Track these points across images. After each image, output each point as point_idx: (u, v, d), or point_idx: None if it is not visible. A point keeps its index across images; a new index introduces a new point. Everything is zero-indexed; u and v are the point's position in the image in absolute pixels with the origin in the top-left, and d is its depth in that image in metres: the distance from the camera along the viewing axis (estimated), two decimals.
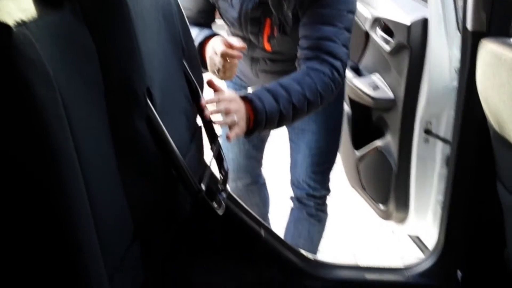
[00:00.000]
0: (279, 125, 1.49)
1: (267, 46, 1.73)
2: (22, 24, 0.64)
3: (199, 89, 1.30)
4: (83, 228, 0.71)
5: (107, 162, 0.83)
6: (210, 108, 1.32)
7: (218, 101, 1.33)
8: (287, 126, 1.62)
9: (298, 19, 1.62)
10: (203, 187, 1.11)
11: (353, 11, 1.61)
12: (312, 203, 2.05)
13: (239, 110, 1.37)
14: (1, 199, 0.64)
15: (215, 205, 1.15)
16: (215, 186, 1.25)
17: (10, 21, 0.63)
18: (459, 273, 1.67)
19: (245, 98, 1.41)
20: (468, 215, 1.62)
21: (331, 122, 1.96)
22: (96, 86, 0.82)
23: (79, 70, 0.78)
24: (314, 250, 2.06)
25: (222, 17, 1.78)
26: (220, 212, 1.15)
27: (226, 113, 1.33)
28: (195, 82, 1.28)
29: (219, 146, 1.33)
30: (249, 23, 1.69)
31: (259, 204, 2.25)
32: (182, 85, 1.22)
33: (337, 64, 1.55)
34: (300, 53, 1.59)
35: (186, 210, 1.15)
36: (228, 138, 1.32)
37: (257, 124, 1.42)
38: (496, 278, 1.65)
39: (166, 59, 1.11)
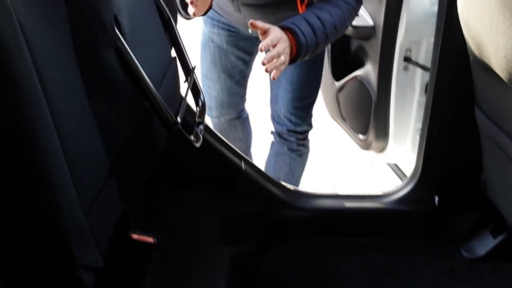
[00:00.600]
0: (312, 54, 1.52)
1: None
2: None
3: (171, 19, 1.25)
4: (51, 161, 0.69)
5: (75, 94, 0.80)
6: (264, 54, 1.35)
7: (272, 44, 1.36)
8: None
9: None
10: (178, 119, 1.09)
11: None
12: (293, 138, 2.05)
13: (286, 48, 1.39)
14: None
15: (192, 138, 1.13)
16: (192, 119, 1.23)
17: None
18: (436, 198, 1.70)
19: (289, 30, 1.42)
20: (446, 141, 1.64)
21: (315, 56, 1.92)
22: (58, 14, 0.77)
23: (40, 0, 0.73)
24: (295, 184, 2.08)
25: None
26: (197, 144, 1.14)
27: (278, 55, 1.36)
28: (167, 11, 1.23)
29: (195, 78, 1.30)
30: None
31: (242, 139, 2.24)
32: (153, 15, 1.17)
33: None
34: None
35: (162, 143, 1.13)
36: (272, 77, 1.35)
37: (297, 57, 1.45)
38: (472, 203, 1.70)
39: None
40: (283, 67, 1.39)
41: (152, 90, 0.98)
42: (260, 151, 2.33)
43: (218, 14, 1.92)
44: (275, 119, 2.04)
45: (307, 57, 1.51)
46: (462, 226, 1.73)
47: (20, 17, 0.65)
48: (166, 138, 1.12)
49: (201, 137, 1.18)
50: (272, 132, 2.08)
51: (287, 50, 1.40)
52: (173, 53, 1.31)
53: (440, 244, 1.72)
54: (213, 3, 1.88)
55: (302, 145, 2.08)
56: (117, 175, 0.90)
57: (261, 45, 1.37)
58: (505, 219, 1.51)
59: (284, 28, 1.43)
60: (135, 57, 0.92)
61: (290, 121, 2.00)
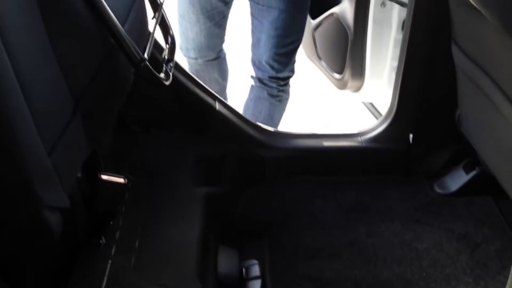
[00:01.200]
0: None
1: None
2: None
3: None
4: (10, 101, 0.67)
5: (32, 29, 0.76)
6: None
7: None
8: None
9: None
10: (146, 56, 1.05)
11: None
12: (274, 84, 2.02)
13: None
14: None
15: (162, 76, 1.09)
16: (161, 56, 1.19)
17: None
18: (410, 135, 1.71)
19: None
20: (422, 79, 1.63)
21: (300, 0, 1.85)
22: None
23: None
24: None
25: None
26: (167, 82, 1.10)
27: None
28: None
29: (163, 13, 1.24)
30: None
31: (218, 79, 2.20)
32: None
33: None
34: None
35: (129, 81, 1.09)
36: None
37: None
38: (446, 139, 1.71)
39: None
40: None
41: (117, 25, 0.93)
42: (237, 93, 2.30)
43: None
44: (256, 64, 2.00)
45: None
46: (435, 163, 1.75)
47: None
48: (134, 75, 1.08)
49: (170, 75, 1.14)
50: (252, 77, 2.04)
51: None
52: None
53: (414, 180, 1.74)
54: None
55: (283, 91, 2.06)
56: (82, 114, 0.87)
57: None
58: (478, 155, 1.53)
59: None
60: None
61: (272, 67, 1.96)
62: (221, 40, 2.11)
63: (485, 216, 1.58)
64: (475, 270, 1.42)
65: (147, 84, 1.07)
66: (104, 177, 1.05)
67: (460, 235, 1.53)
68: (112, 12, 0.92)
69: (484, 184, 1.62)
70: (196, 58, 2.09)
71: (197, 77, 1.63)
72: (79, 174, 1.03)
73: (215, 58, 2.13)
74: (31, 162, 0.71)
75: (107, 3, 0.91)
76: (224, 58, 2.20)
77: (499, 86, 1.20)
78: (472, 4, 1.12)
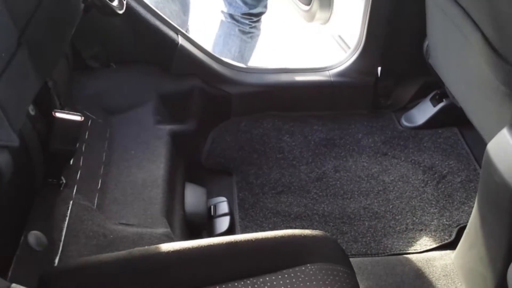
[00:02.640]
0: None
1: None
2: None
3: None
4: None
5: None
6: None
7: None
8: None
9: None
10: None
11: None
12: (246, 21, 1.95)
13: None
14: None
15: (115, 4, 1.02)
16: None
17: None
18: (379, 69, 1.68)
19: None
20: (390, 9, 1.59)
21: None
22: None
23: None
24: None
25: None
26: (120, 11, 1.03)
27: None
28: None
29: None
30: None
31: (179, 12, 2.10)
32: None
33: None
34: None
35: (78, 10, 1.01)
36: None
37: None
38: (414, 72, 1.69)
39: None
40: None
41: None
42: (203, 28, 2.21)
43: None
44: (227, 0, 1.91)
45: None
46: (403, 96, 1.74)
47: None
48: (83, 3, 1.01)
49: (124, 3, 1.07)
50: (222, 12, 1.95)
51: None
52: None
53: (381, 113, 1.73)
54: None
55: (255, 27, 2.00)
56: (28, 45, 0.80)
57: None
58: (445, 87, 1.52)
59: None
60: None
61: (245, 3, 1.89)
62: None
63: (451, 147, 1.60)
64: (440, 201, 1.44)
65: (100, 14, 1.00)
66: (59, 114, 1.00)
67: (426, 167, 1.54)
68: None
69: (451, 115, 1.62)
70: None
71: (156, 9, 1.55)
72: (32, 112, 0.98)
73: None
74: None
75: None
76: None
77: (468, 14, 1.17)
78: None
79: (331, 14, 2.10)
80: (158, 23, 1.54)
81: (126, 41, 1.53)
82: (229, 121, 1.69)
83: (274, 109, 1.72)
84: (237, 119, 1.69)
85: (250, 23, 1.97)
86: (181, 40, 1.58)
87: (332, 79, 1.70)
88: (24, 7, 0.81)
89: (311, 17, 2.16)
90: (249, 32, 2.00)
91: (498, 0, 1.00)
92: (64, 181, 1.10)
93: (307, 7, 2.15)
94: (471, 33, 1.15)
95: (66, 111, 1.04)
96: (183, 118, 1.57)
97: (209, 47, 1.93)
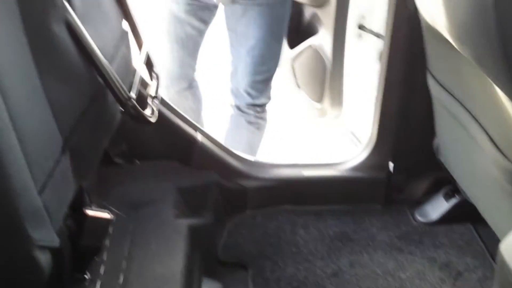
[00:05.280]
0: None
1: None
2: None
3: None
4: (2, 140, 0.67)
5: (24, 70, 0.77)
6: None
7: None
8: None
9: None
10: (133, 94, 1.06)
11: None
12: (252, 111, 2.04)
13: None
14: None
15: (148, 113, 1.10)
16: (147, 93, 1.20)
17: None
18: (390, 164, 1.73)
19: None
20: (400, 108, 1.66)
21: (276, 28, 1.89)
22: None
23: None
24: (253, 156, 2.08)
25: None
26: (153, 119, 1.11)
27: None
28: None
29: (149, 51, 1.26)
30: None
31: (193, 107, 2.21)
32: None
33: None
34: None
35: (116, 119, 1.10)
36: None
37: None
38: (426, 167, 1.74)
39: None
40: None
41: (105, 65, 0.95)
42: (217, 122, 2.31)
43: None
44: (234, 92, 2.02)
45: None
46: (416, 191, 1.77)
47: None
48: (121, 113, 1.09)
49: (156, 112, 1.15)
50: (231, 105, 2.06)
51: None
52: (126, 25, 1.26)
53: (395, 208, 1.76)
54: None
55: (260, 117, 2.08)
56: (71, 152, 0.87)
57: None
58: (457, 183, 1.56)
59: None
60: (87, 31, 0.89)
61: (249, 94, 1.98)
62: (193, 69, 2.14)
63: (466, 244, 1.61)
64: None
65: (134, 122, 1.08)
66: (90, 213, 1.05)
67: (443, 263, 1.54)
68: (100, 52, 0.94)
69: (464, 211, 1.64)
70: (167, 87, 2.11)
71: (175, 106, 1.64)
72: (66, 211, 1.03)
73: (188, 88, 2.15)
74: (22, 202, 0.71)
75: (95, 43, 0.92)
76: (197, 87, 2.21)
77: (474, 117, 1.24)
78: (445, 38, 1.16)
79: (342, 110, 2.19)
80: (178, 121, 1.63)
81: (149, 139, 1.61)
82: (244, 215, 1.73)
83: (289, 203, 1.75)
84: (252, 213, 1.73)
85: (255, 113, 2.06)
86: (199, 137, 1.66)
87: (345, 174, 1.75)
88: (70, 117, 0.88)
89: (322, 113, 2.26)
90: (256, 123, 2.08)
91: (503, 106, 1.07)
92: (89, 276, 1.12)
93: (318, 104, 2.26)
94: (478, 134, 1.21)
95: (96, 208, 1.09)
96: (201, 212, 1.60)
97: (221, 139, 2.02)
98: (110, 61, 1.01)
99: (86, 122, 0.93)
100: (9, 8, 0.75)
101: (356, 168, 1.75)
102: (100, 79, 0.97)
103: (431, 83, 1.49)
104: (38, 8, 0.81)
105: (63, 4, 0.86)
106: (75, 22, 0.88)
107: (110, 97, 1.01)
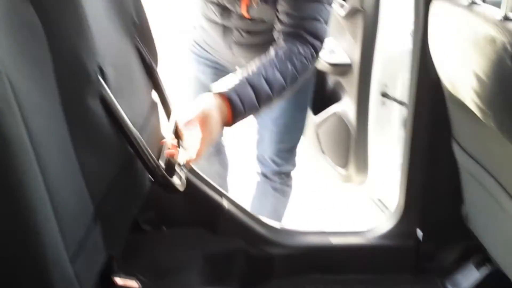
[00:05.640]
0: (255, 114, 1.40)
1: (246, 14, 1.62)
2: None
3: (153, 64, 1.27)
4: (39, 212, 0.70)
5: (61, 143, 0.81)
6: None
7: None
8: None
9: None
10: (161, 163, 1.09)
11: None
12: (277, 178, 2.05)
13: (212, 135, 1.26)
14: None
15: (176, 181, 1.13)
16: (175, 160, 1.23)
17: None
18: (419, 232, 1.71)
19: (225, 97, 1.28)
20: (426, 175, 1.66)
21: (301, 99, 1.92)
22: (45, 66, 0.79)
23: (26, 50, 0.74)
24: (278, 221, 2.08)
25: None
26: (181, 188, 1.14)
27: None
28: (149, 56, 1.25)
29: (177, 120, 1.30)
30: None
31: (219, 172, 2.23)
32: (135, 61, 1.18)
33: (318, 44, 1.45)
34: (279, 26, 1.48)
35: (146, 187, 1.13)
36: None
37: (232, 123, 1.32)
38: (455, 235, 1.71)
39: (117, 35, 1.07)
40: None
41: (136, 136, 0.99)
42: (243, 188, 2.33)
43: (205, 51, 1.92)
44: (260, 159, 2.04)
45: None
46: (446, 259, 1.73)
47: (8, 71, 0.66)
48: (150, 181, 1.12)
49: (184, 180, 1.18)
50: (257, 172, 2.08)
51: (214, 135, 1.26)
52: (156, 96, 1.32)
53: (425, 278, 1.71)
54: (201, 39, 1.90)
55: (286, 184, 2.08)
56: (102, 221, 0.89)
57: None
58: (487, 251, 1.52)
59: (221, 95, 1.29)
60: (119, 104, 0.93)
61: (274, 162, 2.00)
62: (220, 134, 2.17)
63: None
64: None
65: (163, 191, 1.11)
66: (119, 281, 1.06)
67: None
68: (131, 122, 0.98)
69: (496, 281, 1.60)
70: None
71: (201, 173, 1.67)
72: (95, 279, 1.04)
73: (215, 153, 2.18)
74: (55, 271, 0.73)
75: (127, 115, 0.97)
76: (224, 152, 2.24)
77: (501, 185, 1.23)
78: (469, 106, 1.18)
79: (367, 176, 2.19)
80: (204, 187, 1.65)
81: (176, 205, 1.63)
82: (271, 284, 1.70)
83: (315, 271, 1.73)
84: (279, 282, 1.70)
85: (280, 180, 2.06)
86: (225, 203, 1.67)
87: (373, 242, 1.73)
88: (101, 186, 0.91)
89: (347, 179, 2.26)
90: (281, 189, 2.08)
91: None
92: None
93: (343, 170, 2.26)
94: (507, 203, 1.20)
95: (124, 276, 1.10)
96: (227, 280, 1.60)
97: (247, 206, 2.03)
98: (140, 131, 1.05)
99: (117, 191, 0.96)
100: (48, 84, 0.80)
101: (383, 236, 1.73)
102: (130, 150, 1.00)
103: (456, 150, 1.49)
104: (75, 84, 0.85)
105: (98, 79, 0.90)
106: (109, 96, 0.92)
107: (140, 166, 1.04)
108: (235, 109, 1.29)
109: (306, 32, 1.44)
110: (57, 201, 0.74)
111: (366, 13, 1.94)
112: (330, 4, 1.49)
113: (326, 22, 1.48)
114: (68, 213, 0.78)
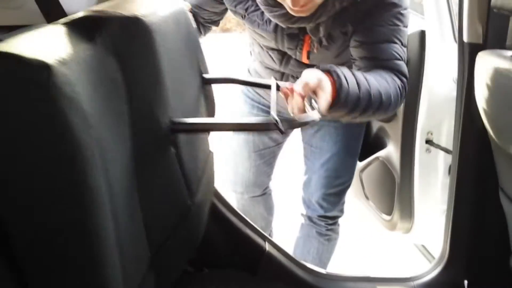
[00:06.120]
0: (350, 112, 1.34)
1: (305, 60, 1.63)
2: (63, 62, 0.66)
3: (211, 112, 1.33)
4: (106, 257, 0.73)
5: (130, 191, 0.85)
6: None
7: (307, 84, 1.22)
8: (351, 119, 1.43)
9: (345, 34, 1.51)
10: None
11: (407, 25, 1.49)
12: (323, 223, 2.03)
13: (327, 87, 1.24)
14: (44, 237, 0.67)
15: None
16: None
17: (51, 60, 0.64)
18: (465, 282, 1.67)
19: (329, 72, 1.27)
20: (472, 224, 1.63)
21: (351, 145, 1.92)
22: (123, 119, 0.84)
23: (110, 105, 0.80)
24: (323, 268, 2.05)
25: (249, 28, 1.68)
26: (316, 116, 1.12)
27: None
28: (209, 105, 1.31)
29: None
30: (285, 39, 1.60)
31: (264, 214, 2.24)
32: (201, 111, 1.24)
33: (405, 81, 1.44)
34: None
35: (199, 240, 1.16)
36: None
37: (336, 102, 1.28)
38: (502, 285, 1.65)
39: (189, 87, 1.13)
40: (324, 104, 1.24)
41: (193, 186, 1.03)
42: (287, 230, 2.33)
43: (259, 95, 1.96)
44: (306, 202, 2.03)
45: (346, 113, 1.33)
46: None
47: (95, 126, 0.72)
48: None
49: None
50: (302, 214, 2.07)
51: (327, 89, 1.23)
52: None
53: None
54: (255, 88, 1.95)
55: (332, 230, 2.06)
56: (156, 269, 0.92)
57: (295, 85, 1.24)
58: None
59: (323, 70, 1.28)
60: (186, 154, 0.98)
61: (321, 206, 1.98)
62: (269, 178, 2.19)
63: None
64: None
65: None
66: None
67: None
68: (193, 173, 1.02)
69: None
70: (242, 193, 2.15)
71: (243, 211, 1.68)
72: None
73: (261, 195, 2.20)
74: None
75: (189, 166, 1.01)
76: (270, 195, 2.25)
77: None
78: None
79: (412, 224, 2.16)
80: (248, 230, 1.66)
81: (219, 247, 1.65)
82: None
83: None
84: None
85: (326, 225, 2.04)
86: (268, 247, 1.68)
87: None
88: (159, 235, 0.95)
89: (392, 227, 2.22)
90: (326, 235, 2.06)
91: None
92: None
93: (388, 217, 2.24)
94: None
95: None
96: None
97: (290, 249, 2.02)
98: (199, 181, 1.09)
99: (173, 241, 0.99)
100: (123, 135, 0.85)
101: (428, 285, 1.69)
102: (189, 201, 1.04)
103: (503, 199, 1.46)
104: (147, 136, 0.90)
105: (169, 134, 0.95)
106: (179, 152, 0.97)
107: (196, 220, 1.08)
108: (340, 85, 1.27)
109: (390, 71, 1.42)
110: (122, 251, 0.77)
111: (410, 60, 1.95)
112: (405, 45, 1.47)
113: (405, 62, 1.46)
114: (128, 259, 0.81)
